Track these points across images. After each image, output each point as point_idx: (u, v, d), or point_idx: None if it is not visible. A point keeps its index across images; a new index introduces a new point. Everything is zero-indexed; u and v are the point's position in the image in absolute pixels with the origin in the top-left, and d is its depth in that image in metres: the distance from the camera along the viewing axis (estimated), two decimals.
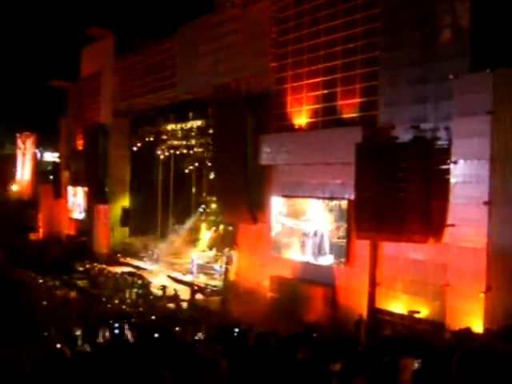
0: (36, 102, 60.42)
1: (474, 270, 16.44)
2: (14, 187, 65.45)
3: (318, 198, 22.37)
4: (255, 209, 25.24)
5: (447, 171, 17.53)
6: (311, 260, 22.58)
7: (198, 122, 33.71)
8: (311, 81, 23.02)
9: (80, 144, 43.69)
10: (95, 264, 36.02)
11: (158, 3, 57.68)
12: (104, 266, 35.28)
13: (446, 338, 12.28)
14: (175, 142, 37.79)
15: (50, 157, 63.84)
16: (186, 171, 39.71)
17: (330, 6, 22.12)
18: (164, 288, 28.28)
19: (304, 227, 22.92)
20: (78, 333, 12.84)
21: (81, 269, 35.89)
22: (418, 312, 18.61)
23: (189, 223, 37.92)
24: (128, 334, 12.81)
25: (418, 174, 18.15)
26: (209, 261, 32.59)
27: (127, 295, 28.32)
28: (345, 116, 21.65)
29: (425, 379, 6.75)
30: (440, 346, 10.75)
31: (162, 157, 39.43)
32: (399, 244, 18.93)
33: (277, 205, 24.30)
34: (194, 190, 39.99)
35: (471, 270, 16.52)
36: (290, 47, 24.00)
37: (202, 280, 30.29)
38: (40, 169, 62.56)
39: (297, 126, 23.65)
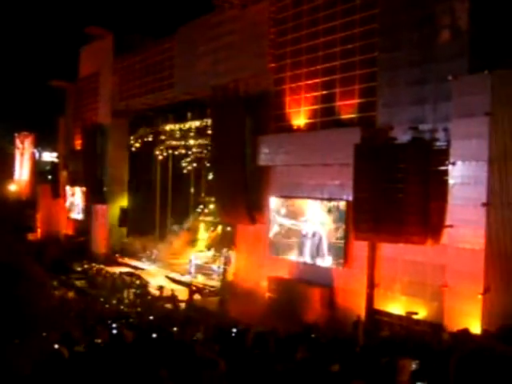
0: (34, 102, 60.50)
1: (472, 271, 16.46)
2: (12, 187, 65.38)
3: (317, 198, 22.36)
4: (253, 209, 25.24)
5: (445, 172, 17.55)
6: (309, 261, 22.58)
7: (197, 123, 33.74)
8: (310, 81, 23.03)
9: (78, 144, 43.66)
10: (93, 264, 36.02)
11: (157, 3, 57.75)
12: (102, 266, 35.27)
13: (444, 339, 12.29)
14: (174, 143, 37.83)
15: (49, 157, 63.84)
16: (185, 171, 39.72)
17: (329, 7, 22.13)
18: (161, 288, 28.28)
19: (302, 228, 22.92)
20: (76, 333, 12.83)
21: (79, 269, 35.88)
22: (416, 313, 18.63)
23: (187, 224, 37.94)
24: (126, 334, 12.79)
25: (417, 175, 18.17)
26: (207, 261, 32.60)
27: (125, 295, 28.30)
28: (343, 117, 21.66)
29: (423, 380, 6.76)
30: (438, 346, 10.77)
31: (160, 157, 39.45)
32: (397, 245, 18.94)
33: (275, 205, 24.30)
34: (192, 190, 39.99)
35: (469, 271, 16.54)
36: (289, 48, 24.01)
37: (200, 280, 30.29)
38: (38, 169, 62.51)
39: (295, 127, 23.66)
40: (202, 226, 37.09)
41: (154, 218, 39.60)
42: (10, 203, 58.80)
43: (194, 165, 39.31)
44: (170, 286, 29.15)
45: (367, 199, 19.13)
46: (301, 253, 22.91)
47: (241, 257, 27.03)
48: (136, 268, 34.68)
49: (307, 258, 22.64)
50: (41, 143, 65.16)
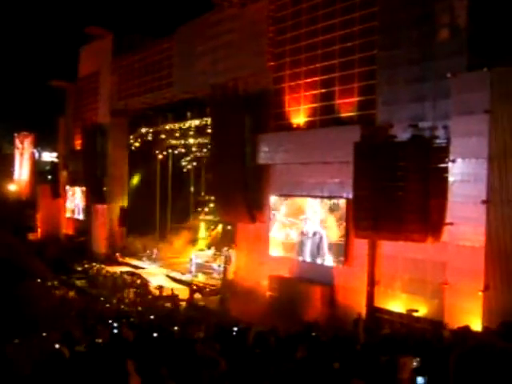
0: (34, 102, 60.44)
1: (472, 268, 16.47)
2: (12, 187, 65.36)
3: (317, 197, 22.37)
4: (253, 208, 25.24)
5: (445, 170, 17.55)
6: (310, 259, 22.59)
7: (196, 122, 33.71)
8: (309, 80, 23.02)
9: (78, 144, 43.63)
10: (94, 264, 36.04)
11: (156, 3, 57.72)
12: (102, 265, 35.30)
13: (445, 337, 12.28)
14: (173, 142, 37.86)
15: (48, 157, 63.82)
16: (185, 170, 39.73)
17: (328, 5, 22.11)
18: (161, 288, 28.30)
19: (302, 226, 22.93)
20: (77, 333, 12.83)
21: (79, 269, 35.89)
22: (417, 310, 18.64)
23: (187, 222, 37.96)
24: (127, 333, 12.78)
25: (417, 172, 18.16)
26: (207, 260, 32.62)
27: (126, 295, 28.32)
28: (343, 115, 21.65)
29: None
30: (439, 344, 10.77)
31: (160, 156, 39.45)
32: (398, 243, 18.92)
33: (275, 204, 24.30)
34: (192, 189, 40.04)
35: (470, 268, 16.54)
36: (288, 46, 23.99)
37: (200, 279, 30.32)
38: (38, 169, 62.48)
39: (295, 125, 23.64)
40: (202, 225, 37.10)
41: (155, 217, 39.59)
42: (10, 203, 58.79)
43: (194, 164, 39.38)
44: (170, 286, 29.18)
45: (367, 197, 19.13)
46: (301, 251, 22.92)
47: (241, 255, 27.03)
48: (136, 267, 34.70)
49: (307, 257, 22.64)
50: (40, 143, 65.14)
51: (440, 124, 17.89)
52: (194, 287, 28.46)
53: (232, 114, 25.88)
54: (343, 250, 21.06)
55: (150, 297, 27.77)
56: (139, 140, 39.16)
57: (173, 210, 39.51)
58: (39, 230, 49.44)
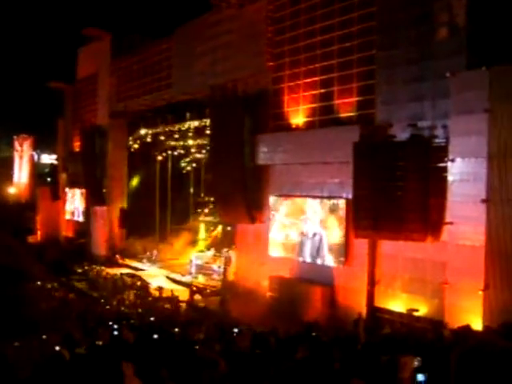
0: (33, 104, 60.41)
1: (472, 267, 16.45)
2: (12, 190, 65.36)
3: (316, 197, 22.36)
4: (253, 209, 25.24)
5: (445, 169, 17.54)
6: (310, 260, 22.57)
7: (196, 123, 33.69)
8: (308, 80, 23.02)
9: (77, 146, 43.63)
10: (94, 266, 36.02)
11: (155, 4, 57.70)
12: (102, 267, 35.28)
13: (446, 336, 12.26)
14: (173, 143, 37.84)
15: (48, 159, 63.85)
16: (184, 172, 39.72)
17: (327, 5, 22.12)
18: (160, 289, 28.28)
19: (302, 226, 22.92)
20: (77, 335, 12.82)
21: (79, 270, 35.86)
22: (417, 310, 18.63)
23: (187, 224, 37.93)
24: (127, 335, 12.77)
25: (416, 172, 18.15)
26: (207, 261, 32.57)
27: (126, 296, 28.29)
28: (342, 115, 21.65)
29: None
30: (439, 343, 10.75)
31: (159, 157, 39.43)
32: (398, 242, 18.92)
33: (275, 204, 24.29)
34: (191, 190, 40.03)
35: (470, 267, 16.53)
36: (287, 46, 24.00)
37: (200, 280, 30.30)
38: (37, 171, 62.52)
39: (294, 126, 23.64)
40: (202, 226, 37.08)
41: (154, 218, 39.56)
42: (10, 206, 58.80)
43: (194, 165, 39.38)
44: (170, 287, 29.16)
45: (367, 197, 19.12)
46: (301, 252, 22.91)
47: (241, 256, 27.03)
48: (136, 269, 34.69)
49: (308, 258, 22.63)
50: (40, 145, 65.19)
51: (439, 123, 17.89)
52: (194, 288, 28.44)
53: (231, 114, 25.88)
54: (343, 250, 21.05)
55: (150, 298, 27.75)
56: (138, 141, 39.15)
57: (172, 211, 39.51)
58: (39, 232, 49.42)
